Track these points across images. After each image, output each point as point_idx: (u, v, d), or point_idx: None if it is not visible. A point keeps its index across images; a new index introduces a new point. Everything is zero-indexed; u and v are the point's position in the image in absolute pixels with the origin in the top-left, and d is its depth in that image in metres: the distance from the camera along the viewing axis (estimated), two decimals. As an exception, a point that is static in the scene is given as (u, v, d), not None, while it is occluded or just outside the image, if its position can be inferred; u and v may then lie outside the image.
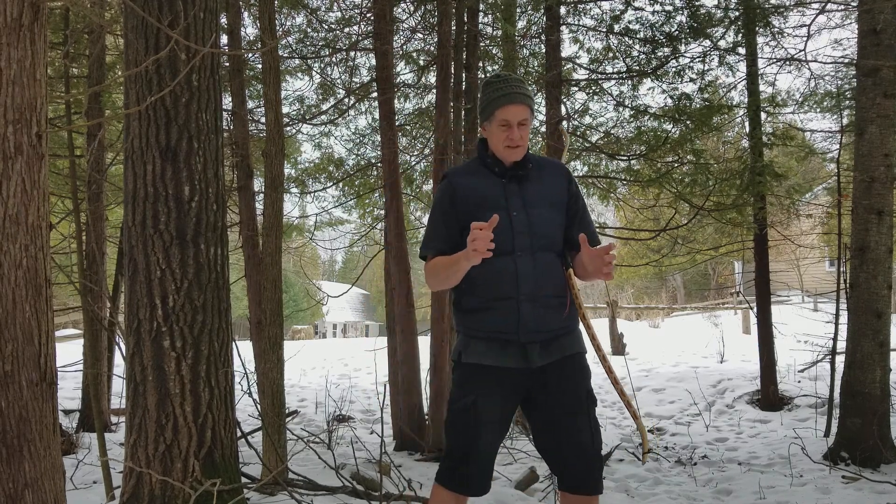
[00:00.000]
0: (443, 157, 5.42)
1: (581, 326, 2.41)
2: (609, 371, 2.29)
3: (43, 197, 1.90)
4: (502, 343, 2.29)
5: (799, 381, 7.94)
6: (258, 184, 6.47)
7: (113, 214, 8.08)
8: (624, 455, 5.46)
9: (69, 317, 15.67)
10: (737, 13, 6.69)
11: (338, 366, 11.85)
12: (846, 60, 6.92)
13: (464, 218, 2.30)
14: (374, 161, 7.90)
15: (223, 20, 5.75)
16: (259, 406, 4.00)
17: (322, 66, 7.30)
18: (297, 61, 7.21)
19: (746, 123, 7.41)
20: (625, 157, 7.20)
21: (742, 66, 7.09)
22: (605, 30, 6.90)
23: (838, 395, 5.04)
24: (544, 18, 6.84)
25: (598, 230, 2.65)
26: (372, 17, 6.39)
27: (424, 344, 5.81)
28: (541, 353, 2.30)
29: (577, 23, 7.03)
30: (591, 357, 2.41)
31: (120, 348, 3.74)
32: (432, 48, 7.05)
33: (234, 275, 5.90)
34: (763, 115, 7.34)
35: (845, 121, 6.80)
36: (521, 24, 7.26)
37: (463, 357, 2.36)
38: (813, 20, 6.86)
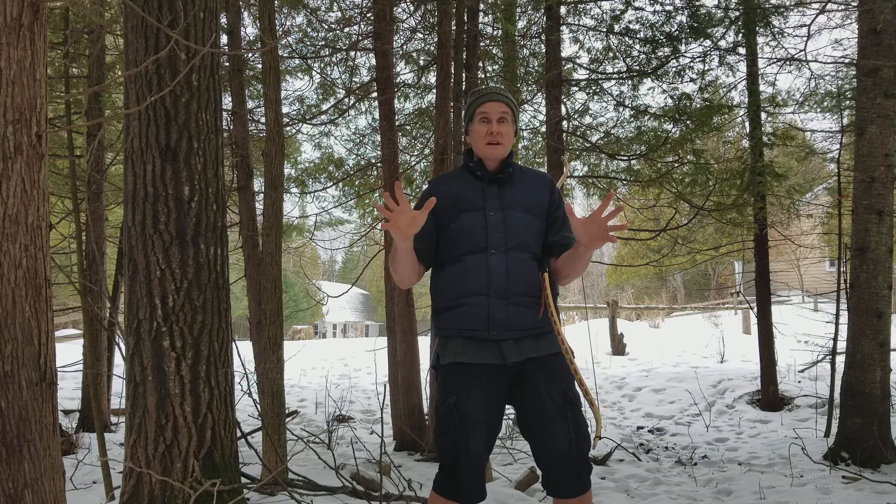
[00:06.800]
0: (443, 157, 5.41)
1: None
2: (576, 372, 2.26)
3: (43, 197, 1.90)
4: (476, 341, 2.28)
5: (799, 382, 7.94)
6: (258, 184, 6.47)
7: (113, 214, 8.07)
8: (624, 455, 5.46)
9: (69, 317, 15.67)
10: (737, 13, 6.68)
11: (338, 366, 11.85)
12: (846, 60, 6.92)
13: (440, 216, 2.34)
14: (374, 161, 7.89)
15: (223, 20, 5.75)
16: (259, 406, 3.99)
17: (322, 65, 7.30)
18: (297, 61, 7.21)
19: (746, 123, 7.40)
20: (625, 157, 7.20)
21: (742, 66, 7.09)
22: (605, 30, 6.90)
23: (838, 395, 5.04)
24: (544, 18, 6.85)
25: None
26: (372, 17, 6.38)
27: (424, 344, 5.81)
28: (516, 350, 2.27)
29: (577, 23, 7.03)
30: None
31: (120, 348, 3.73)
32: (432, 48, 7.04)
33: (234, 275, 5.90)
34: (763, 115, 7.33)
35: (845, 121, 6.79)
36: (521, 23, 7.25)
37: (441, 359, 2.34)
38: (813, 20, 6.86)
